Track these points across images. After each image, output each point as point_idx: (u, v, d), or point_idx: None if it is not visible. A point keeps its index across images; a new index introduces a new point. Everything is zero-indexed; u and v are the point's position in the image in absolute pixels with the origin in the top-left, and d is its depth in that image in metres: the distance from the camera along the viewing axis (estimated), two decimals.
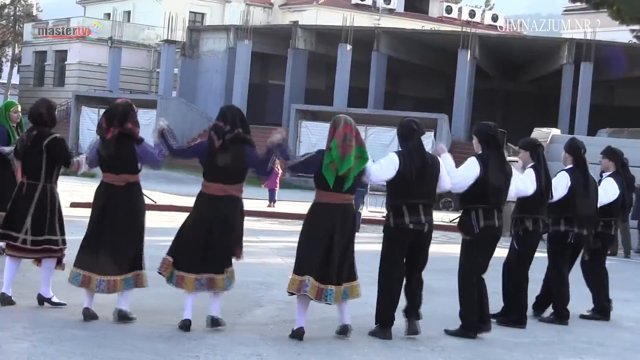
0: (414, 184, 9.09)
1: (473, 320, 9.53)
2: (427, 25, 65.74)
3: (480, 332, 9.58)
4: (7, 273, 9.50)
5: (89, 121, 48.25)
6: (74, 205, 22.12)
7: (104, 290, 8.91)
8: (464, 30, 48.42)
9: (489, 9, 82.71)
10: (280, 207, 27.19)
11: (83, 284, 8.95)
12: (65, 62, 64.78)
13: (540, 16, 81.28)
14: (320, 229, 8.82)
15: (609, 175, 11.73)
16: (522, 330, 10.10)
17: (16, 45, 70.98)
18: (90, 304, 9.00)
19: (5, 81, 69.20)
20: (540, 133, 25.41)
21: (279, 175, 26.47)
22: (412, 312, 9.33)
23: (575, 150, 11.22)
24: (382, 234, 9.34)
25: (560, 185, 10.85)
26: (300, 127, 42.09)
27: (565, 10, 67.18)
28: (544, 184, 10.44)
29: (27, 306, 9.49)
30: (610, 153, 12.01)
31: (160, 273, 9.02)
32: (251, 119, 50.55)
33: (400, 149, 9.39)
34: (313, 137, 41.07)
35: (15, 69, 71.04)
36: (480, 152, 9.74)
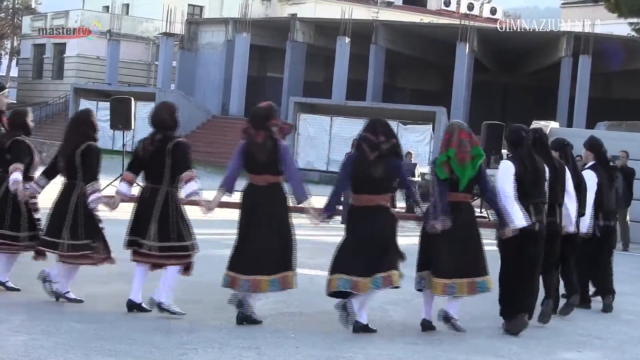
0: (528, 187, 9.58)
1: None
2: (426, 18, 65.69)
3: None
4: (136, 280, 9.31)
5: None
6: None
7: (247, 290, 8.95)
8: (462, 23, 48.40)
9: (488, 2, 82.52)
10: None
11: (230, 284, 9.01)
12: (64, 55, 64.69)
13: (539, 9, 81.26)
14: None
15: (589, 167, 11.79)
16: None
17: (15, 38, 70.94)
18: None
19: (4, 74, 69.17)
20: (538, 126, 25.40)
21: None
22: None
23: (596, 147, 11.82)
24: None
25: (590, 183, 11.25)
26: (299, 119, 42.02)
27: (563, 3, 67.18)
28: (575, 182, 10.75)
29: (24, 299, 9.50)
30: (591, 144, 12.17)
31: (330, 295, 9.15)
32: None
33: (510, 155, 10.00)
34: (311, 129, 41.04)
35: (14, 62, 71.01)
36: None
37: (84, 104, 48.84)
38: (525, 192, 9.54)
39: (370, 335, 9.01)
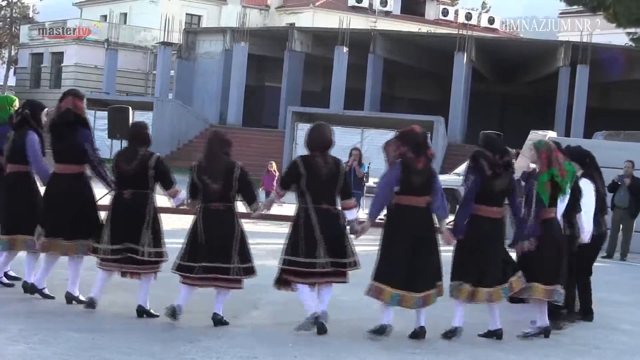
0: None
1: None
2: (424, 28, 65.68)
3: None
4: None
5: None
6: None
7: (420, 305, 9.29)
8: (460, 32, 48.43)
9: (486, 12, 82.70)
10: (275, 209, 27.11)
11: (400, 303, 9.26)
12: (62, 64, 64.70)
13: (537, 19, 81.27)
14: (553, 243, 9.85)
15: (582, 176, 11.79)
16: (519, 330, 10.07)
17: (12, 47, 70.97)
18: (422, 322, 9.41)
19: (2, 83, 69.20)
20: (536, 136, 25.39)
21: (276, 178, 26.41)
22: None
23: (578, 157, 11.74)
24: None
25: (588, 192, 11.33)
26: (297, 129, 42.02)
27: (561, 13, 67.22)
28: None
29: (23, 308, 9.49)
30: (576, 153, 12.23)
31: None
32: (247, 121, 50.35)
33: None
34: None
35: (11, 71, 71.02)
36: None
37: None
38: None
39: (368, 344, 9.00)
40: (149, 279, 9.58)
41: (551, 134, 26.52)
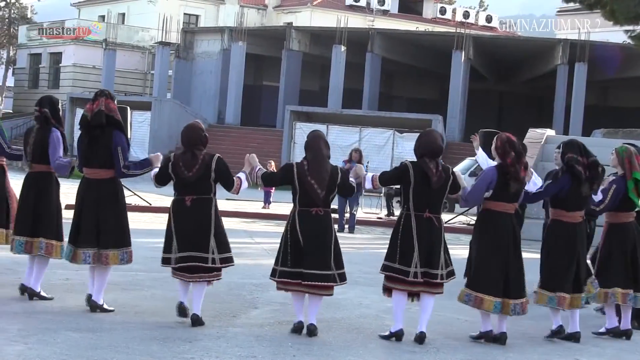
0: None
1: None
2: (421, 27, 65.70)
3: None
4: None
5: None
6: (68, 207, 22.04)
7: (520, 312, 9.34)
8: (458, 31, 48.43)
9: (483, 10, 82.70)
10: (275, 208, 27.19)
11: (476, 303, 9.28)
12: (60, 64, 64.66)
13: (534, 17, 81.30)
14: (625, 246, 10.15)
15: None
16: (517, 331, 10.06)
17: (11, 47, 70.95)
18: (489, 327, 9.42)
19: (0, 83, 69.18)
20: (534, 134, 25.40)
21: None
22: None
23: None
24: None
25: None
26: (295, 128, 42.05)
27: (559, 11, 67.22)
28: None
29: (21, 308, 9.48)
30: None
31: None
32: (246, 120, 50.38)
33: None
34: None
35: (10, 72, 71.00)
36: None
37: (80, 113, 48.86)
38: None
39: (367, 343, 9.00)
40: (203, 286, 9.36)
41: (549, 132, 26.52)
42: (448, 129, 44.44)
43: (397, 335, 9.13)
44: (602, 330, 10.30)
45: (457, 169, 32.44)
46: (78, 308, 9.61)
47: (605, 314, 10.48)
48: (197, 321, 9.12)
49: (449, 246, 9.43)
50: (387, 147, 39.59)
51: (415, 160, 9.32)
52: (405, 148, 37.77)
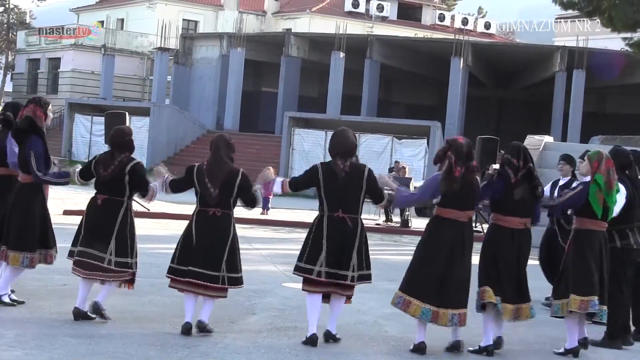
0: (636, 210, 10.16)
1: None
2: (420, 33, 65.76)
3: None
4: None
5: (82, 129, 48.18)
6: (66, 212, 22.08)
7: (456, 324, 9.11)
8: (456, 37, 48.43)
9: (482, 17, 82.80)
10: (273, 214, 27.19)
11: (432, 319, 9.06)
12: (59, 70, 64.67)
13: (533, 24, 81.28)
14: (594, 253, 9.56)
15: (575, 180, 11.79)
16: (514, 338, 10.04)
17: (9, 52, 70.96)
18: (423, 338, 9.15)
19: None
20: (533, 140, 25.43)
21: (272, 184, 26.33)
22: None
23: (574, 161, 12.01)
24: (611, 256, 9.79)
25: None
26: (294, 134, 42.03)
27: (557, 18, 67.29)
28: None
29: (19, 314, 9.47)
30: (569, 159, 12.25)
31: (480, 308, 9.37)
32: (244, 126, 50.21)
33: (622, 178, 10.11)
34: (306, 144, 41.06)
35: (8, 77, 71.00)
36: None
37: (79, 119, 48.87)
38: (629, 215, 10.10)
39: (366, 350, 8.99)
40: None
41: (547, 139, 26.55)
42: (447, 135, 44.33)
43: (312, 340, 8.99)
44: (561, 350, 9.67)
45: None
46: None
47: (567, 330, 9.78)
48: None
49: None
50: (385, 154, 39.57)
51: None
52: (404, 154, 37.76)
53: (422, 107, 54.99)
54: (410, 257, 9.36)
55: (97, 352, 8.02)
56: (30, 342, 8.24)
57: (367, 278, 9.20)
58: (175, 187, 9.56)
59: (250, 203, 9.52)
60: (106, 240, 9.29)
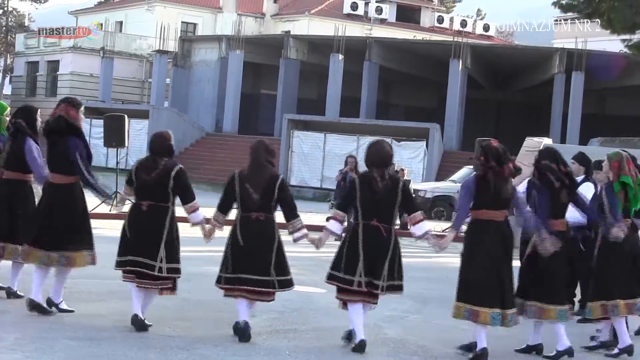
0: None
1: None
2: (419, 35, 65.79)
3: None
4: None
5: None
6: None
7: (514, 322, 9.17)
8: (455, 40, 48.44)
9: (481, 19, 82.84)
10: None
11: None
12: (57, 73, 64.66)
13: (532, 26, 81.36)
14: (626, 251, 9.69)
15: (585, 180, 11.74)
16: (515, 339, 10.03)
17: (8, 55, 70.97)
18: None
19: None
20: (532, 142, 25.41)
21: None
22: None
23: (587, 162, 11.81)
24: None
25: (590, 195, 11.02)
26: (293, 136, 42.03)
27: (556, 20, 67.32)
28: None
29: (19, 317, 9.47)
30: (581, 158, 12.24)
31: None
32: (243, 129, 50.10)
33: None
34: (305, 146, 41.04)
35: (7, 80, 71.01)
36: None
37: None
38: None
39: (366, 352, 8.98)
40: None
41: (547, 141, 26.55)
42: (446, 138, 44.43)
43: (361, 346, 8.96)
44: (615, 351, 9.76)
45: (455, 177, 32.47)
46: (76, 316, 9.60)
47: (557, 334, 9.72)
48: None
49: None
50: None
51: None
52: (402, 157, 37.74)
53: (421, 110, 54.97)
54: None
55: (97, 355, 8.02)
56: (30, 344, 8.23)
57: (397, 289, 9.21)
58: (224, 208, 9.45)
59: (289, 207, 9.40)
60: (156, 247, 9.20)
